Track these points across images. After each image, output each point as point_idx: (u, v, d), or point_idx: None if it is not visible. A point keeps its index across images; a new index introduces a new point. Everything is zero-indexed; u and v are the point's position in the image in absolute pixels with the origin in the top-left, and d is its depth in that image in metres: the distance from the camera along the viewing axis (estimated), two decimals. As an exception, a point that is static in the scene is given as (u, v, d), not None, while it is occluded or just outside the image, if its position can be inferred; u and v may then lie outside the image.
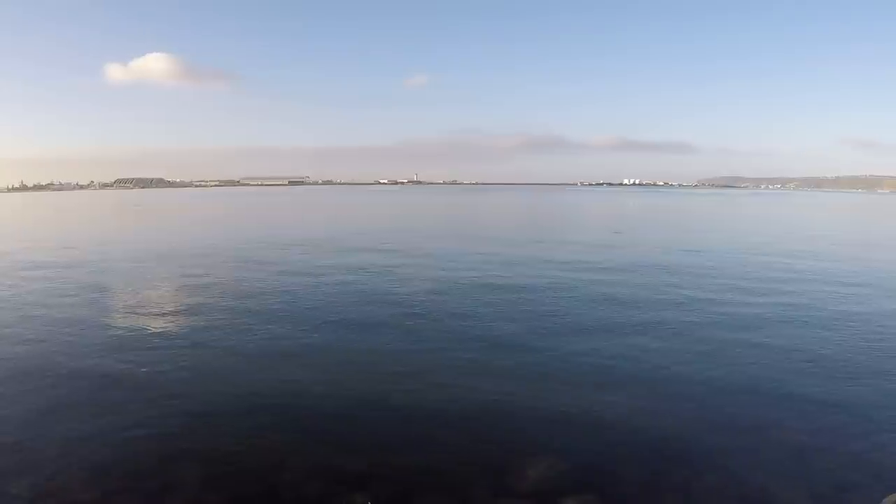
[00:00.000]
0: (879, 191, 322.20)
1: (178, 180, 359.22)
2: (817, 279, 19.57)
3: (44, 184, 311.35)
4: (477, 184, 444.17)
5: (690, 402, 8.49)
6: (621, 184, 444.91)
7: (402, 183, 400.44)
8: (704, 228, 45.93)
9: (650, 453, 6.89)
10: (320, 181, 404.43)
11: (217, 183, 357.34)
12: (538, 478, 6.30)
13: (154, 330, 12.50)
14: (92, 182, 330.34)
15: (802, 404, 8.35)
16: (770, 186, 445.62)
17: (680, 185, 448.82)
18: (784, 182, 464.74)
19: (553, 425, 7.67)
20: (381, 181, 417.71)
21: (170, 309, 14.67)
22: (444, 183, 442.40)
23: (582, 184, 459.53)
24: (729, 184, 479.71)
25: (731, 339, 11.76)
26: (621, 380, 9.38)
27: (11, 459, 6.71)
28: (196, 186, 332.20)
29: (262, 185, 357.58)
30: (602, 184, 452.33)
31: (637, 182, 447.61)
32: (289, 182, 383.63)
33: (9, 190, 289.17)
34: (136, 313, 14.17)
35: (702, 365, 10.10)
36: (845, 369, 9.86)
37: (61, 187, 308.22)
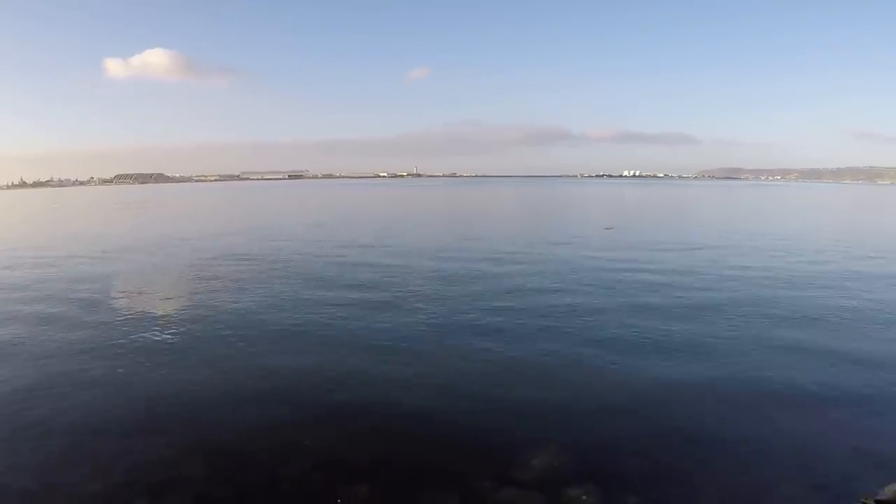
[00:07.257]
0: (880, 182, 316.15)
1: (177, 175, 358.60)
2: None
3: (43, 180, 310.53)
4: (476, 176, 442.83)
5: (698, 392, 8.47)
6: (621, 175, 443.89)
7: (402, 176, 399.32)
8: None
9: (656, 443, 6.93)
10: (320, 175, 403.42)
11: (217, 177, 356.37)
12: (542, 467, 6.33)
13: (156, 323, 12.56)
14: (91, 178, 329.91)
15: (808, 395, 8.33)
16: (770, 178, 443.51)
17: (679, 177, 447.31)
18: (784, 174, 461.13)
19: (557, 415, 7.71)
20: (381, 174, 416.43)
21: (172, 303, 14.59)
22: (444, 175, 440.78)
23: (582, 175, 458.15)
24: (729, 175, 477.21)
25: (745, 330, 11.54)
26: (627, 370, 9.34)
27: (17, 453, 6.82)
28: (196, 181, 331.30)
29: (262, 178, 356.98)
30: (602, 175, 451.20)
31: (637, 174, 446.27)
32: (288, 176, 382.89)
33: (9, 187, 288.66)
34: (139, 305, 14.26)
35: (712, 354, 10.10)
36: (859, 363, 9.62)
37: (61, 184, 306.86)
